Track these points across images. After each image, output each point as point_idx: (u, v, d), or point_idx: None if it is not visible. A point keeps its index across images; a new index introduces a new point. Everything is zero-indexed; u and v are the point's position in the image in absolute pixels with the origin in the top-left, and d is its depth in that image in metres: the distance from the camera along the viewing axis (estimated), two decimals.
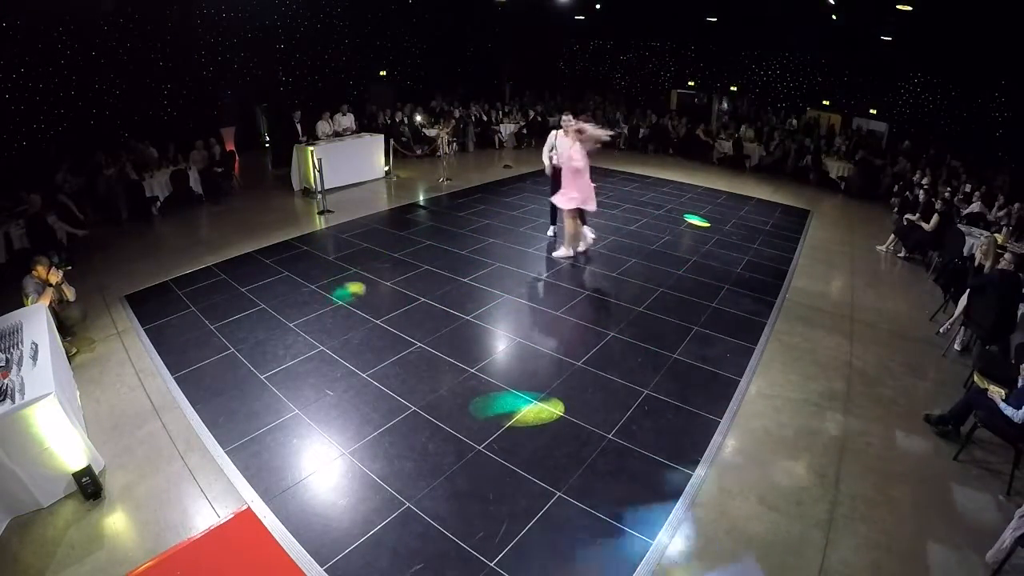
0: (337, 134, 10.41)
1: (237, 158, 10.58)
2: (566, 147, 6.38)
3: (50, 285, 4.60)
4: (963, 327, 5.15)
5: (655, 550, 2.93)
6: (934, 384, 4.66)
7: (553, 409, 4.02)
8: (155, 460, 3.53)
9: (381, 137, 10.61)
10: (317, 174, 8.55)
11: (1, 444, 2.95)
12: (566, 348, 4.87)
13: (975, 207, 7.93)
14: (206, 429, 3.78)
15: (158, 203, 8.48)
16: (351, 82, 13.67)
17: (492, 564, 2.81)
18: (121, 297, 5.69)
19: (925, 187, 8.61)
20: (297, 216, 8.46)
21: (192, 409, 3.98)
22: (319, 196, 8.60)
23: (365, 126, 11.71)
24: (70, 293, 4.85)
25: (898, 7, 9.21)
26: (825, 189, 11.12)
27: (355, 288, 5.82)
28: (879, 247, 7.80)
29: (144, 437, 3.73)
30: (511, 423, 3.85)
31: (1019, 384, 3.65)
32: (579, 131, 6.23)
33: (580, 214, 6.51)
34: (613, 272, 6.48)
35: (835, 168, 11.25)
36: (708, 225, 6.23)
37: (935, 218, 7.22)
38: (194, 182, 8.89)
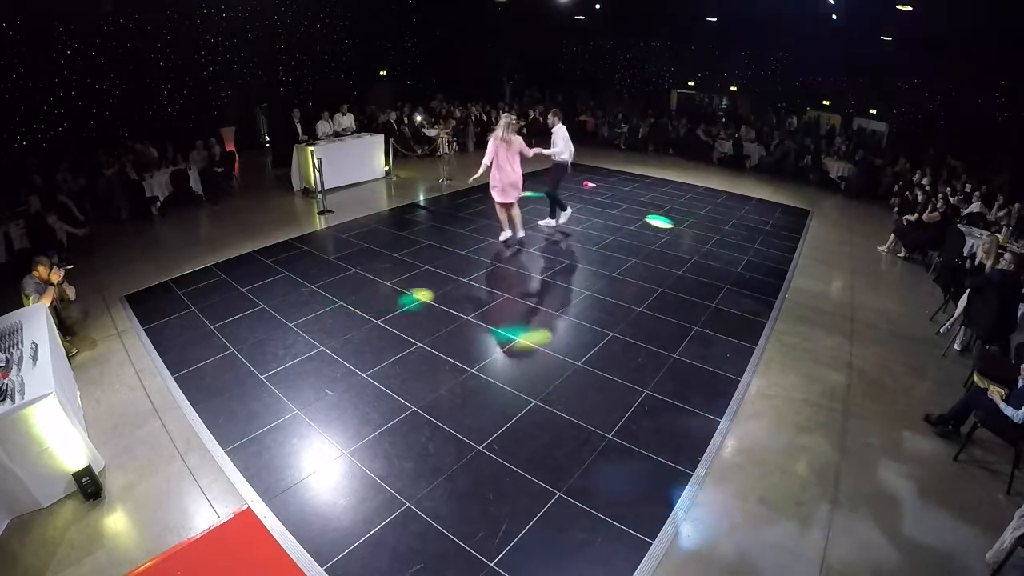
0: (337, 134, 10.41)
1: (237, 158, 10.57)
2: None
3: (51, 285, 4.60)
4: (963, 327, 5.15)
5: (655, 550, 2.93)
6: (934, 384, 4.66)
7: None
8: (155, 460, 3.53)
9: (381, 137, 10.60)
10: (317, 174, 8.55)
11: (1, 444, 2.95)
12: (566, 348, 4.87)
13: (975, 207, 7.93)
14: (206, 429, 3.78)
15: (158, 203, 8.48)
16: (351, 82, 13.66)
17: (492, 564, 2.81)
18: (121, 297, 5.69)
19: (925, 187, 8.61)
20: (297, 216, 8.46)
21: (192, 409, 3.98)
22: (319, 196, 8.60)
23: (365, 126, 11.70)
24: (70, 292, 4.86)
25: (898, 7, 9.21)
26: (825, 189, 11.13)
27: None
28: (879, 247, 7.80)
29: (144, 437, 3.73)
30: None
31: (1019, 384, 3.65)
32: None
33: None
34: (613, 272, 6.48)
35: (835, 168, 11.25)
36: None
37: (935, 216, 7.22)
38: (194, 182, 8.89)
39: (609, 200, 9.33)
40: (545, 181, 7.64)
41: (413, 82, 14.91)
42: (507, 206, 6.87)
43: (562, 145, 7.08)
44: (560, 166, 7.27)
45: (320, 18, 12.69)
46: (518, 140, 6.60)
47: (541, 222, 7.81)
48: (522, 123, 13.89)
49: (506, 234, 7.03)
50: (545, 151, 7.10)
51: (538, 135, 12.68)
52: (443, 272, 6.29)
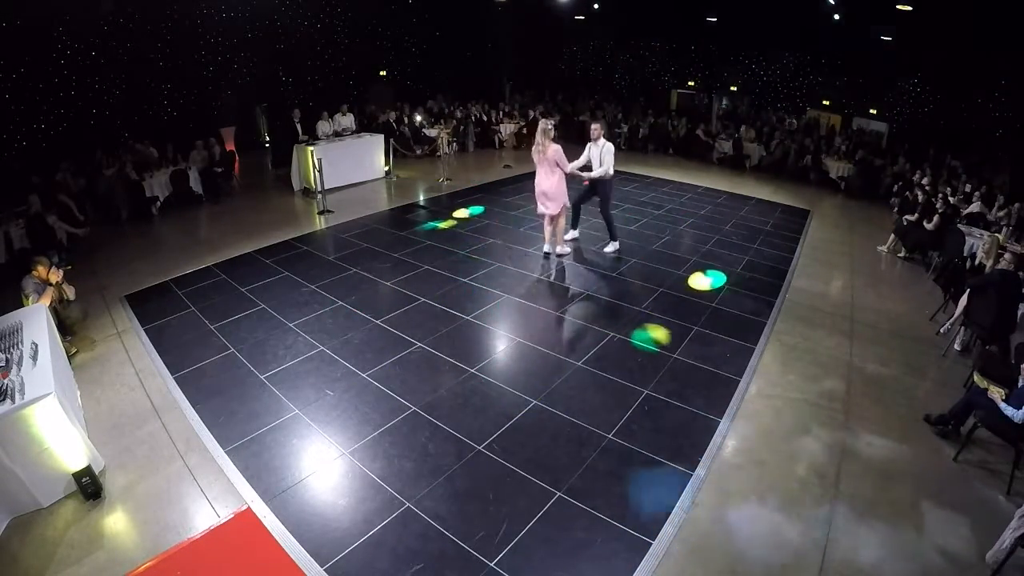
0: (337, 134, 10.41)
1: (237, 158, 10.58)
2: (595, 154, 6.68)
3: (50, 285, 4.60)
4: (963, 327, 5.15)
5: (655, 550, 2.93)
6: (934, 384, 4.66)
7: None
8: (155, 460, 3.53)
9: (381, 137, 10.60)
10: (317, 174, 8.55)
11: (1, 444, 2.95)
12: (566, 348, 4.87)
13: (975, 207, 7.93)
14: (206, 429, 3.78)
15: (158, 203, 8.48)
16: (351, 82, 13.67)
17: (492, 564, 2.81)
18: (121, 297, 5.69)
19: (925, 187, 8.61)
20: (297, 216, 8.46)
21: (192, 409, 3.98)
22: (319, 196, 8.60)
23: (365, 126, 11.70)
24: (70, 292, 4.86)
25: (898, 7, 9.21)
26: (825, 189, 11.12)
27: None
28: (879, 247, 7.80)
29: (144, 437, 3.73)
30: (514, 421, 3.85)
31: (1019, 384, 3.65)
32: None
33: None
34: (613, 272, 6.48)
35: (835, 168, 11.24)
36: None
37: (936, 218, 7.22)
38: (194, 182, 8.89)
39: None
40: (585, 196, 7.12)
41: (413, 82, 14.91)
42: (550, 217, 6.47)
43: (610, 162, 6.60)
44: (609, 183, 6.85)
45: (320, 18, 12.69)
46: (553, 149, 6.10)
47: (607, 249, 7.06)
48: (522, 123, 13.89)
49: (546, 247, 6.77)
50: (592, 173, 6.61)
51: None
52: (443, 272, 6.29)
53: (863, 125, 12.69)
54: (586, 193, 7.10)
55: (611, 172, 6.69)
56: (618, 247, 7.10)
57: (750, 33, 13.24)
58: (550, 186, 6.23)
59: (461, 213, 8.43)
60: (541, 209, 6.45)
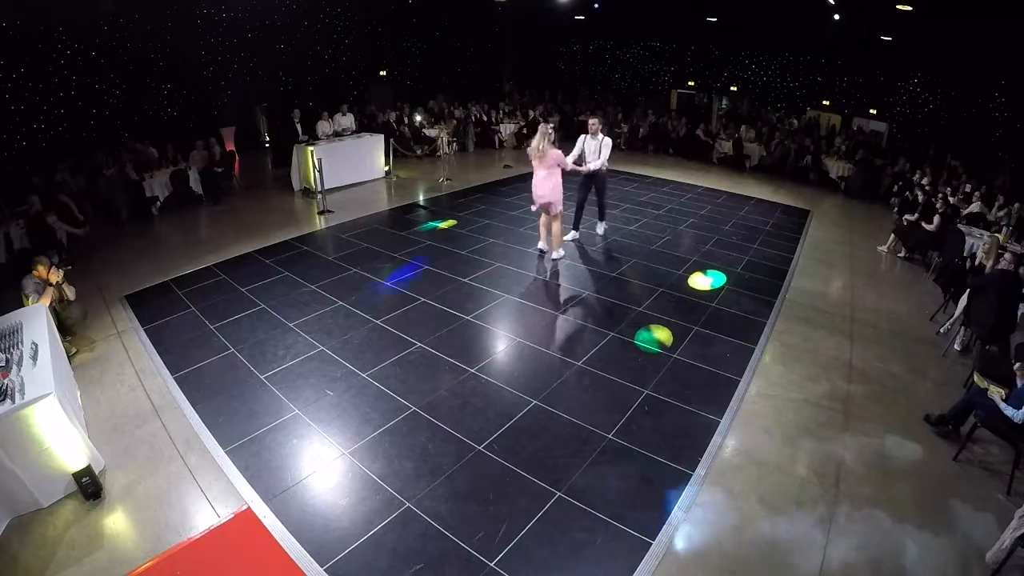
0: (337, 134, 10.41)
1: (237, 158, 10.57)
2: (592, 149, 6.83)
3: (50, 285, 4.60)
4: (963, 327, 5.15)
5: (655, 550, 2.93)
6: (934, 384, 4.66)
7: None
8: (155, 460, 3.53)
9: (381, 137, 10.60)
10: (317, 174, 8.55)
11: (1, 444, 2.95)
12: (566, 348, 4.87)
13: (975, 207, 7.93)
14: (206, 429, 3.78)
15: (158, 203, 8.48)
16: (351, 82, 13.67)
17: (492, 564, 2.81)
18: (121, 297, 5.69)
19: (925, 187, 8.60)
20: (297, 216, 8.45)
21: (192, 409, 3.98)
22: (319, 196, 8.60)
23: (365, 126, 11.70)
24: (70, 292, 4.86)
25: (898, 7, 9.20)
26: (825, 189, 11.12)
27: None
28: (879, 247, 7.80)
29: (144, 437, 3.73)
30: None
31: (1019, 384, 3.65)
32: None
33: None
34: (613, 272, 6.48)
35: (835, 168, 11.25)
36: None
37: (936, 218, 7.22)
38: (194, 182, 8.88)
39: (609, 200, 9.30)
40: (585, 195, 7.28)
41: (413, 82, 14.90)
42: (546, 216, 6.57)
43: (607, 155, 6.77)
44: (604, 176, 7.10)
45: (320, 18, 12.69)
46: (555, 154, 6.14)
47: (598, 230, 7.62)
48: (522, 123, 13.90)
49: (541, 243, 6.88)
50: (591, 165, 6.73)
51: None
52: (443, 272, 6.29)
53: (863, 125, 12.69)
54: (585, 192, 7.15)
55: (606, 165, 6.84)
56: (606, 227, 7.43)
57: (750, 33, 13.23)
58: (548, 189, 6.26)
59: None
60: (539, 207, 6.50)
